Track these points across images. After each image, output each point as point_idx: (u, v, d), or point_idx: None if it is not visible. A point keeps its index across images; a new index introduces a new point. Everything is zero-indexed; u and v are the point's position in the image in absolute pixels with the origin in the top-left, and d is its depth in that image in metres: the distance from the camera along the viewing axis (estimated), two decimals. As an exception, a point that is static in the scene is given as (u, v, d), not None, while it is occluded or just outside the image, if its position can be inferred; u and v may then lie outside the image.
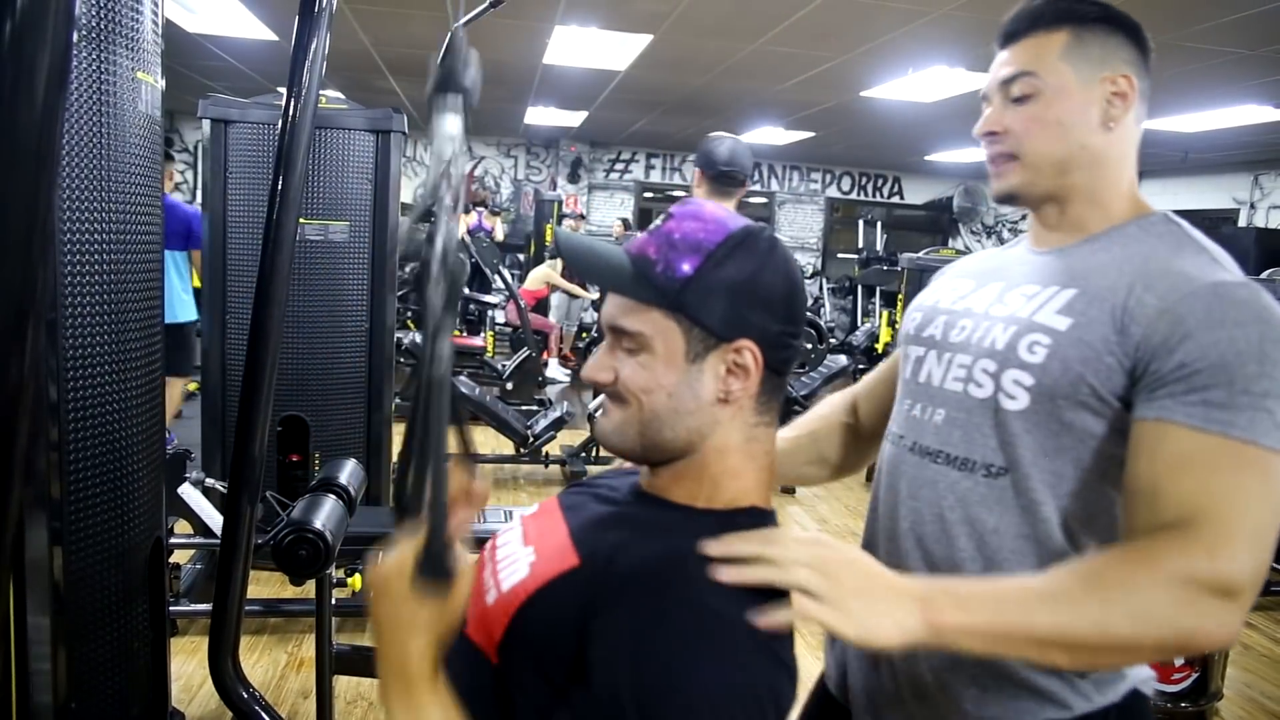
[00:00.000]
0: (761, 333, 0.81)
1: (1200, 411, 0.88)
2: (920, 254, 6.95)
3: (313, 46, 1.48)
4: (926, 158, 10.36)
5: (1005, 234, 12.63)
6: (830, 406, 1.38)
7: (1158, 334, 0.92)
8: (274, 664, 2.97)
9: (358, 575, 3.31)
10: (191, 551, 3.43)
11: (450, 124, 0.74)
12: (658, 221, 0.86)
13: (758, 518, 0.84)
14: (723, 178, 2.69)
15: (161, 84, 1.61)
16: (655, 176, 11.73)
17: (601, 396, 0.87)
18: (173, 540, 2.94)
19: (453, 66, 0.75)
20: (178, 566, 3.12)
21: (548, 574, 0.80)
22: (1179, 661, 2.49)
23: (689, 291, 0.80)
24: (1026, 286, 1.06)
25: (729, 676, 0.71)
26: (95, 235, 1.44)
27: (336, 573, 2.47)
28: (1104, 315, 0.96)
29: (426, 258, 0.71)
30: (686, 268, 0.80)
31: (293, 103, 1.49)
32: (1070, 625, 0.84)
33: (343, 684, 2.76)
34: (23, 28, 0.61)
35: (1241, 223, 9.05)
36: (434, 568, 0.73)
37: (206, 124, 3.26)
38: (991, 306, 1.08)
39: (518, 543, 0.89)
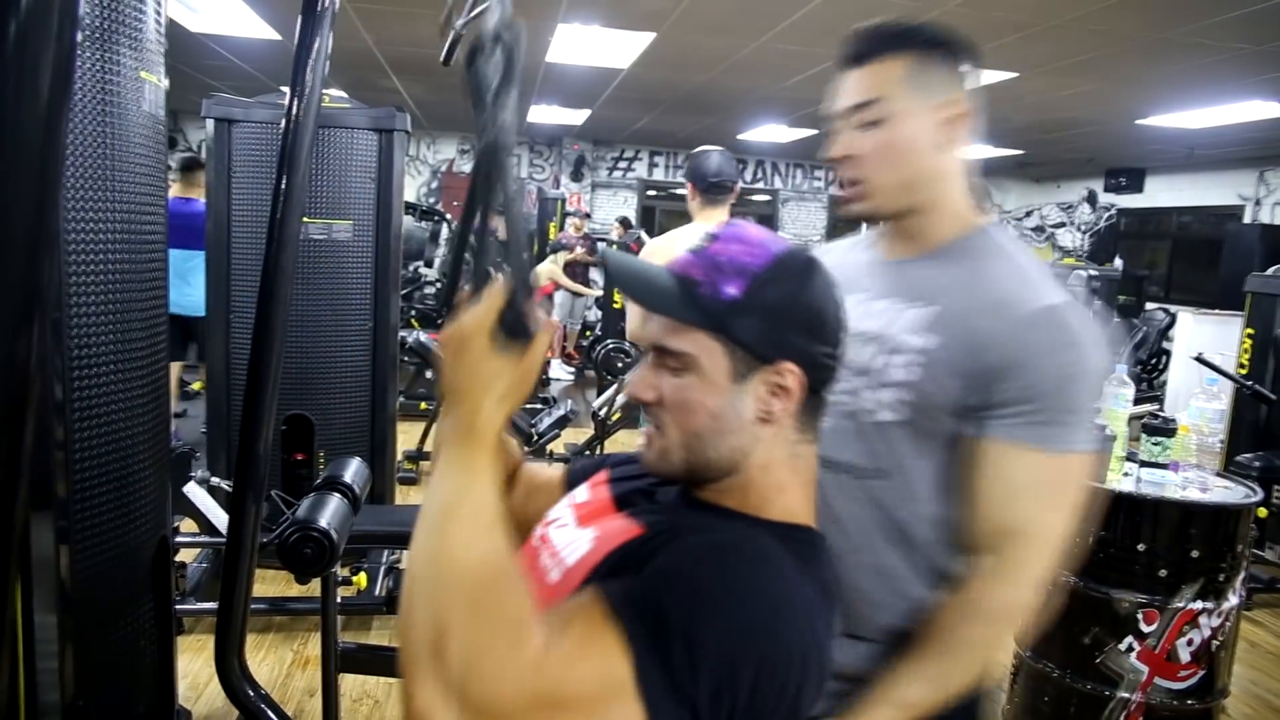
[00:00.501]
0: (803, 354, 0.83)
1: (1026, 431, 1.05)
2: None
3: (315, 45, 1.48)
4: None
5: (1010, 231, 12.60)
6: None
7: (996, 361, 1.05)
8: (280, 662, 2.98)
9: (362, 574, 3.32)
10: (197, 550, 3.44)
11: None
12: (701, 242, 0.87)
13: (809, 536, 0.86)
14: (713, 188, 3.04)
15: (165, 83, 1.61)
16: (659, 174, 11.72)
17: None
18: (178, 539, 2.95)
19: None
20: (183, 565, 3.13)
21: (613, 544, 0.82)
22: (1185, 659, 2.48)
23: (734, 314, 0.82)
24: (883, 301, 1.16)
25: (774, 622, 0.72)
26: (99, 234, 1.45)
27: (342, 571, 2.48)
28: (956, 338, 1.08)
29: (480, 35, 0.70)
30: (732, 290, 0.82)
31: (296, 102, 1.49)
32: (933, 695, 1.09)
33: (348, 682, 2.76)
34: (27, 27, 0.61)
35: (1247, 219, 9.02)
36: (516, 325, 0.73)
37: (210, 123, 3.26)
38: (857, 321, 1.14)
39: (573, 527, 0.91)
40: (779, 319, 0.82)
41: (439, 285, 7.73)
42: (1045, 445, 1.04)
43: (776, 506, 0.86)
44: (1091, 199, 11.45)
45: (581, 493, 1.00)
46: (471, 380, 0.73)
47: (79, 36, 1.37)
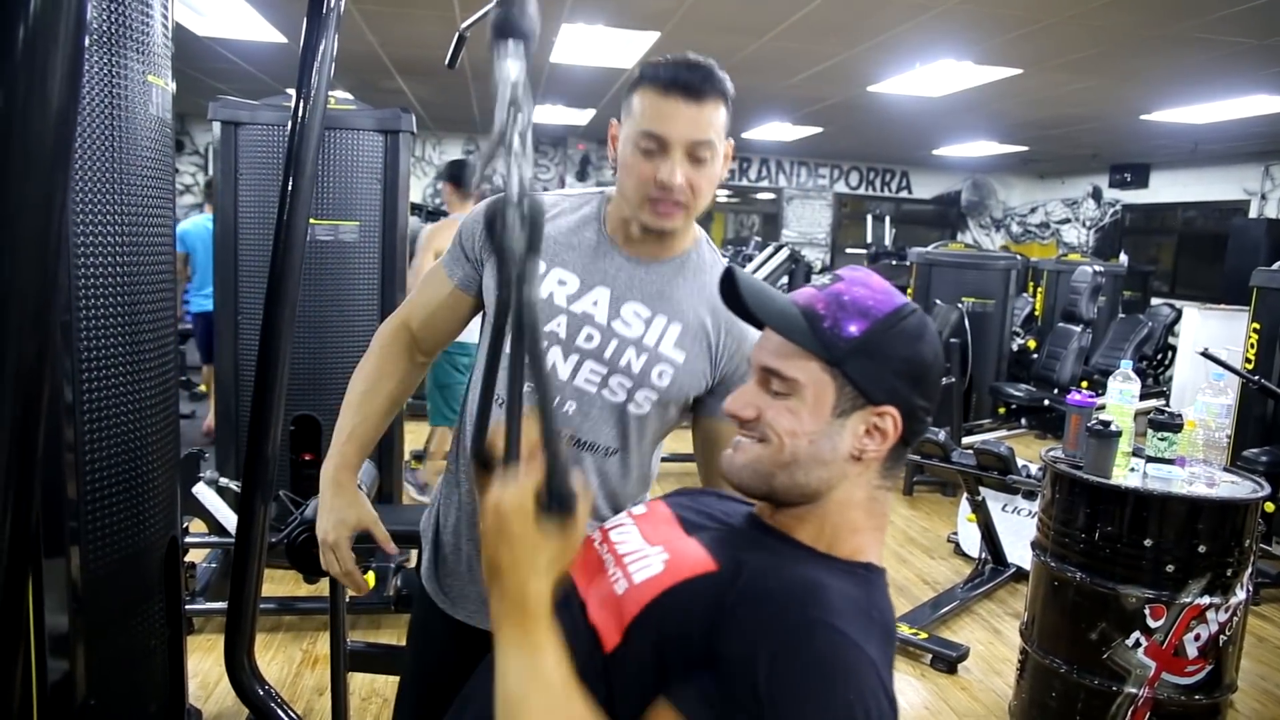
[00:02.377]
0: (905, 402, 0.87)
1: None
2: (929, 248, 6.94)
3: (321, 47, 1.49)
4: (934, 152, 10.32)
5: (1014, 227, 12.57)
6: (391, 354, 1.48)
7: (734, 364, 1.35)
8: (289, 661, 2.99)
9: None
10: (206, 550, 3.45)
11: (511, 68, 0.74)
12: (825, 281, 0.92)
13: (873, 575, 0.88)
14: (467, 185, 4.28)
15: (172, 87, 1.62)
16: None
17: None
18: (188, 539, 2.96)
19: (510, 11, 0.75)
20: (193, 565, 3.14)
21: (685, 573, 0.84)
22: (1192, 654, 2.48)
23: (852, 351, 0.86)
24: (635, 304, 1.34)
25: (852, 697, 0.73)
26: (108, 237, 1.46)
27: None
28: (703, 350, 1.34)
29: (500, 205, 0.71)
30: (853, 329, 0.86)
31: (302, 104, 1.50)
32: None
33: (357, 680, 2.77)
34: (35, 33, 0.62)
35: (1252, 214, 9.00)
36: (557, 497, 0.73)
37: (217, 126, 3.28)
38: (613, 321, 1.33)
39: (638, 540, 0.93)
40: (890, 365, 0.86)
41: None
42: None
43: (847, 546, 0.88)
44: (1096, 195, 11.42)
45: (637, 508, 1.02)
46: (516, 560, 0.74)
47: (86, 41, 1.38)
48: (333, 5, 1.46)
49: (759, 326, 0.92)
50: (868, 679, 0.74)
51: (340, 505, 1.41)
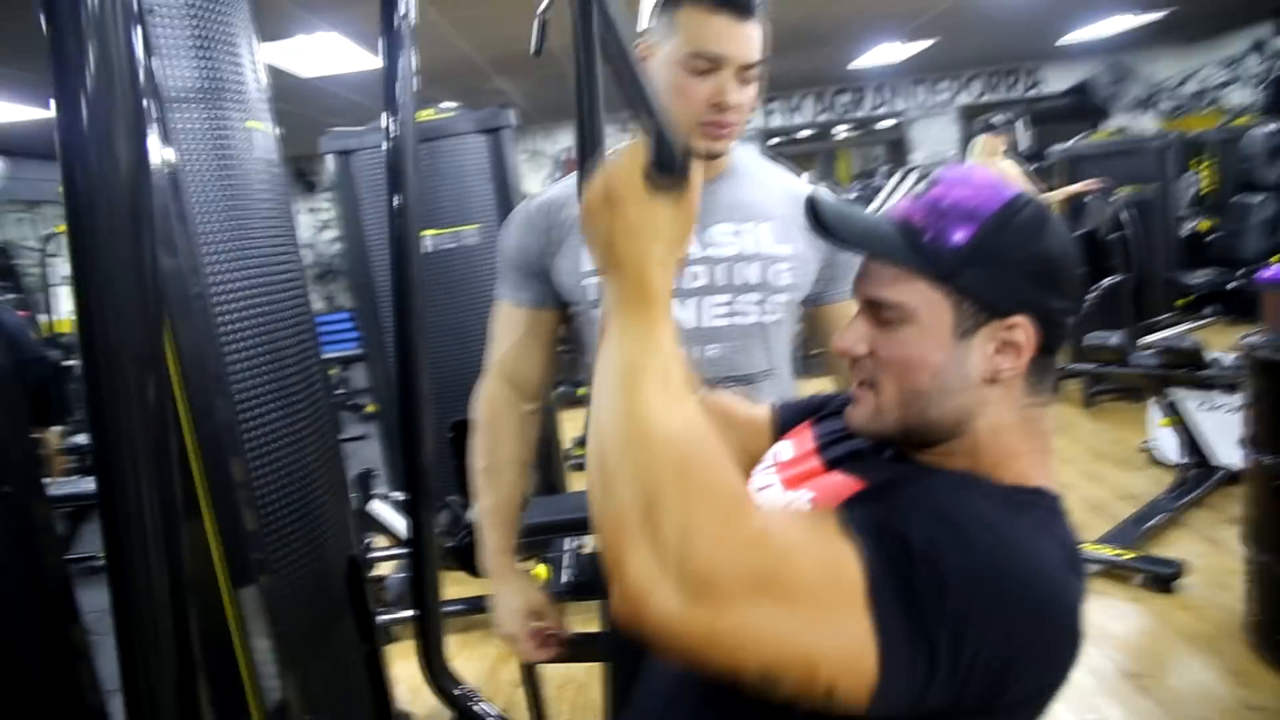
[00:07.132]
0: (1036, 307, 0.76)
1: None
2: (1070, 143, 6.45)
3: (400, 61, 1.49)
4: (1060, 41, 9.58)
5: (1165, 104, 11.55)
6: (496, 422, 1.48)
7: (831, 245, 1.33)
8: (485, 658, 3.11)
9: (541, 565, 3.41)
10: (395, 562, 3.64)
11: None
12: (921, 187, 0.82)
13: (1045, 500, 0.78)
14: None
15: (275, 130, 1.67)
16: (776, 121, 11.42)
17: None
18: (373, 553, 3.12)
19: None
20: (384, 577, 3.31)
21: (835, 500, 0.78)
22: None
23: (961, 262, 0.76)
24: (719, 225, 1.31)
25: (1022, 562, 0.67)
26: (240, 284, 1.52)
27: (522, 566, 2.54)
28: (802, 236, 1.31)
29: None
30: (959, 236, 0.76)
31: (390, 120, 1.51)
32: None
33: (551, 669, 2.85)
34: (95, 96, 0.63)
35: None
36: (668, 164, 0.69)
37: (330, 159, 3.41)
38: (708, 249, 1.30)
39: (780, 490, 0.88)
40: (1011, 269, 0.75)
41: None
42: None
43: (1011, 472, 0.78)
44: (1259, 47, 10.31)
45: (785, 449, 0.95)
46: (632, 235, 0.69)
47: (187, 98, 1.44)
48: (401, 17, 1.46)
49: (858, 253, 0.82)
50: (1046, 555, 0.69)
51: (506, 595, 1.39)
